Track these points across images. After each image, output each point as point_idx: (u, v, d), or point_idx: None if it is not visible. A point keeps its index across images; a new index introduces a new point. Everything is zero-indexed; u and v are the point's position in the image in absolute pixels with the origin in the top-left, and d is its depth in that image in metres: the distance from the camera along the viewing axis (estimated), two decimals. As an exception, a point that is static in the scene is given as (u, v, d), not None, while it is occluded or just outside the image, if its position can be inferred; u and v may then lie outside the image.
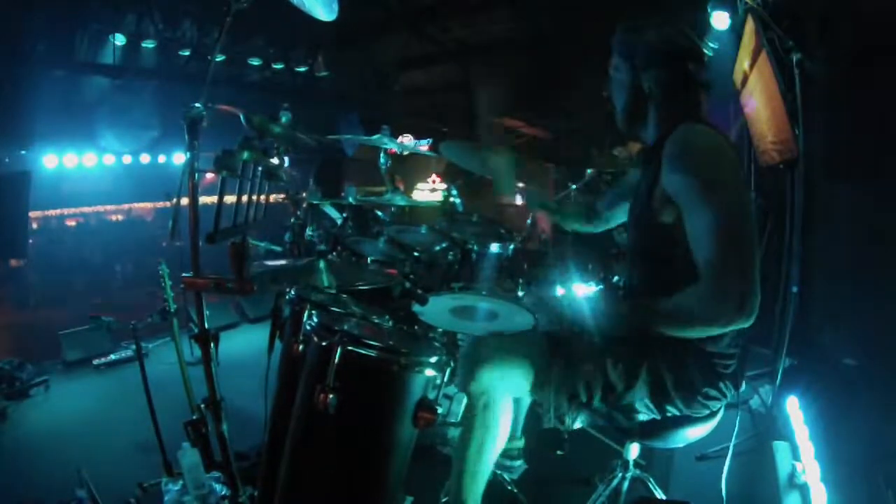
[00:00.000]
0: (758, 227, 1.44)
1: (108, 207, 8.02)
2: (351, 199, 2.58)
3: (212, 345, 1.57)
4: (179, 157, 6.49)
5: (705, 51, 1.48)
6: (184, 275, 1.45)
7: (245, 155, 1.49)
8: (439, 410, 1.39)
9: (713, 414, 1.52)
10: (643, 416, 1.50)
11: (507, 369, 1.50)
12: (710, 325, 1.27)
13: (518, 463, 2.17)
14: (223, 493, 1.76)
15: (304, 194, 2.62)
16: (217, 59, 1.54)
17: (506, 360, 1.50)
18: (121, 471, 2.38)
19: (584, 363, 1.47)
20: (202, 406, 1.60)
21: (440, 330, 1.86)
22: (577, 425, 1.52)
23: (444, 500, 1.92)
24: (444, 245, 2.62)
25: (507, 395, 1.55)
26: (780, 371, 2.51)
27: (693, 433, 1.52)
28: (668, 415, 1.48)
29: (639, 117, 1.50)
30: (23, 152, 5.36)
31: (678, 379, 1.43)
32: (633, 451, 1.81)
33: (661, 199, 1.39)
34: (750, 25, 2.75)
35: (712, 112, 1.51)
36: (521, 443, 2.15)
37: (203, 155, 1.44)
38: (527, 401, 1.89)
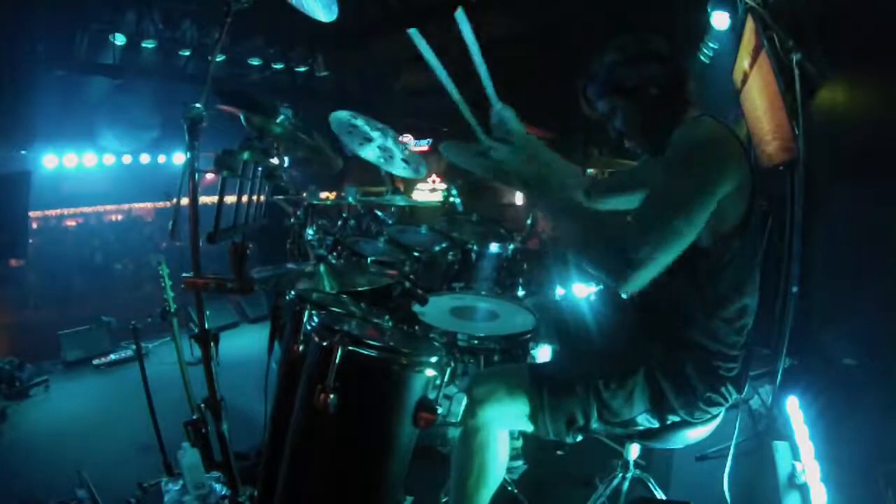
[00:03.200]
0: (759, 227, 1.41)
1: (108, 207, 8.04)
2: (351, 199, 2.58)
3: (212, 345, 1.57)
4: (179, 157, 6.49)
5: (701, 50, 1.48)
6: (184, 275, 1.45)
7: (245, 155, 1.49)
8: (439, 410, 1.39)
9: (714, 416, 1.51)
10: (643, 427, 1.48)
11: (505, 406, 1.47)
12: (591, 259, 1.32)
13: (518, 463, 2.17)
14: (223, 493, 1.76)
15: (304, 194, 2.61)
16: (217, 59, 1.54)
17: (503, 396, 1.47)
18: (121, 471, 2.38)
19: (575, 388, 1.44)
20: (202, 406, 1.60)
21: (440, 330, 1.86)
22: (579, 439, 1.51)
23: (444, 500, 1.92)
24: (444, 245, 2.62)
25: (505, 429, 1.52)
26: (780, 371, 2.50)
27: (694, 434, 1.52)
28: (670, 422, 1.47)
29: (650, 129, 1.47)
30: (23, 152, 5.36)
31: (678, 386, 1.41)
32: (634, 451, 1.81)
33: None
34: (750, 25, 2.75)
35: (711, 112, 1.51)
36: (519, 443, 2.15)
37: (203, 155, 1.44)
38: None
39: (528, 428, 1.48)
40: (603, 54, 1.47)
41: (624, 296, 1.41)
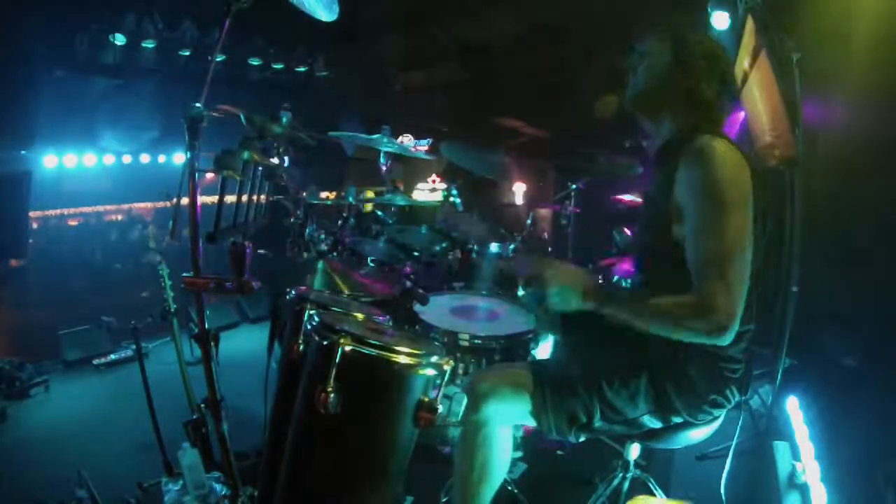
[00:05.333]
0: (762, 233, 1.41)
1: (108, 207, 8.00)
2: (351, 199, 2.58)
3: (212, 345, 1.57)
4: (179, 157, 6.47)
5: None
6: (184, 275, 1.45)
7: (245, 155, 1.49)
8: (439, 410, 1.39)
9: (717, 417, 1.51)
10: (646, 427, 1.48)
11: (508, 403, 1.48)
12: (682, 335, 1.28)
13: (516, 468, 2.18)
14: (223, 493, 1.76)
15: (304, 194, 2.61)
16: (217, 59, 1.54)
17: (506, 393, 1.48)
18: (121, 471, 2.38)
19: (578, 387, 1.45)
20: (202, 406, 1.60)
21: (440, 330, 1.87)
22: (582, 439, 1.51)
23: (444, 500, 1.92)
24: (444, 245, 2.62)
25: (507, 425, 1.53)
26: (780, 371, 2.50)
27: (695, 435, 1.52)
28: (672, 423, 1.47)
29: (659, 108, 1.48)
30: (23, 152, 5.35)
31: (682, 389, 1.41)
32: (634, 451, 1.81)
33: (676, 207, 1.35)
34: (750, 25, 2.75)
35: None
36: (518, 453, 2.15)
37: (203, 155, 1.44)
38: None
39: (531, 424, 1.48)
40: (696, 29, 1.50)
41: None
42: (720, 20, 2.90)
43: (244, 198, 1.67)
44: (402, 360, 1.39)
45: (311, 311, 1.52)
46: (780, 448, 2.13)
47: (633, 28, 1.55)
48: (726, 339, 1.25)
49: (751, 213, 1.29)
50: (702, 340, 1.27)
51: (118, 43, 4.72)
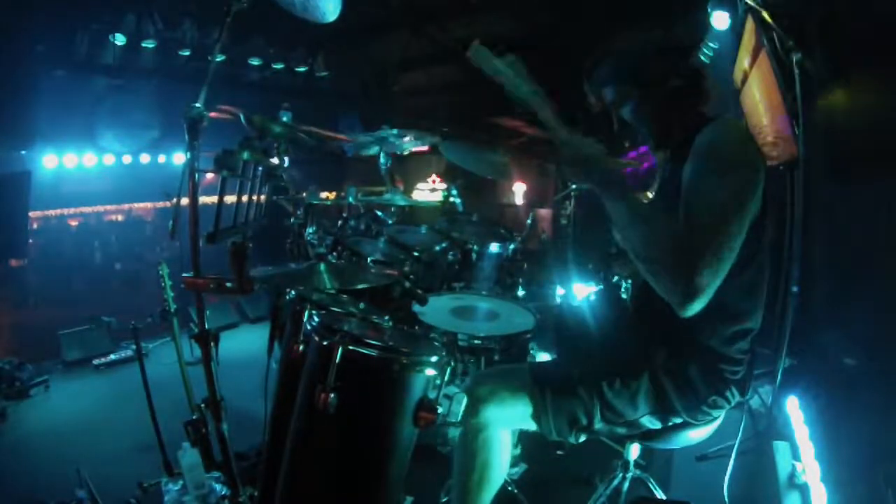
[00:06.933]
0: (771, 231, 1.38)
1: (108, 207, 8.01)
2: (351, 199, 2.58)
3: (212, 345, 1.57)
4: (179, 157, 6.47)
5: (702, 49, 1.46)
6: (184, 275, 1.45)
7: (245, 155, 1.49)
8: (440, 410, 1.39)
9: (716, 417, 1.51)
10: (645, 428, 1.48)
11: (508, 406, 1.48)
12: (658, 274, 1.21)
13: (516, 468, 2.17)
14: (223, 493, 1.76)
15: (304, 194, 2.61)
16: (217, 59, 1.54)
17: (506, 396, 1.48)
18: (121, 471, 2.38)
19: (578, 388, 1.44)
20: (202, 406, 1.60)
21: (440, 330, 1.86)
22: (582, 439, 1.50)
23: (444, 500, 1.92)
24: (444, 245, 2.62)
25: (507, 429, 1.53)
26: (780, 371, 2.50)
27: (695, 435, 1.52)
28: (671, 424, 1.47)
29: (667, 125, 1.45)
30: (23, 152, 5.35)
31: (681, 389, 1.40)
32: (634, 451, 1.81)
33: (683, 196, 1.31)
34: (750, 25, 2.75)
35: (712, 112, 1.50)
36: (517, 450, 2.15)
37: (203, 155, 1.44)
38: None
39: (531, 427, 1.48)
40: (622, 42, 1.43)
41: (624, 296, 1.40)
42: (720, 20, 2.90)
43: (244, 198, 1.67)
44: (403, 360, 1.39)
45: (311, 312, 1.52)
46: (780, 448, 2.13)
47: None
48: (686, 312, 1.18)
49: (753, 179, 1.24)
50: (665, 290, 1.19)
51: (118, 43, 4.72)
